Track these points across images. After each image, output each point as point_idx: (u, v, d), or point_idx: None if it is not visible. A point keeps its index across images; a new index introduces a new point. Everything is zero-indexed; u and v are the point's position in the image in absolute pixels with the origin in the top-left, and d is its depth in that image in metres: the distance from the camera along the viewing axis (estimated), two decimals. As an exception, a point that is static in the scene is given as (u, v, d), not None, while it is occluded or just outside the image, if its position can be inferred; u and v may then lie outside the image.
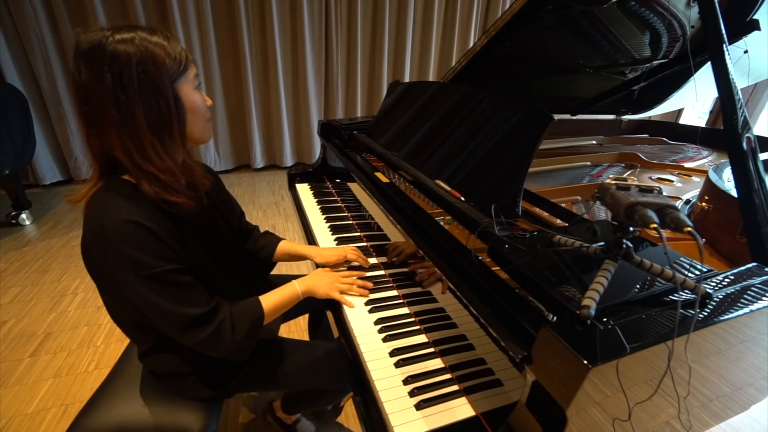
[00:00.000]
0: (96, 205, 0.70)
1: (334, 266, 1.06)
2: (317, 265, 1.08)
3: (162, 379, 0.89)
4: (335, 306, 0.96)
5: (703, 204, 1.03)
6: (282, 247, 1.10)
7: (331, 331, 0.99)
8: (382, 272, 1.06)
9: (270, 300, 0.87)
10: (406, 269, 1.06)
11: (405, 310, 0.93)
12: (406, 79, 4.01)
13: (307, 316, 1.47)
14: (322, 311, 1.14)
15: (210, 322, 0.74)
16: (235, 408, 1.46)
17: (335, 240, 1.24)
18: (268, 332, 0.95)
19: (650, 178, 1.49)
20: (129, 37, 0.65)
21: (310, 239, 1.28)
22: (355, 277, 1.00)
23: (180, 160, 0.74)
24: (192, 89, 0.73)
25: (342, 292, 0.96)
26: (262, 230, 1.15)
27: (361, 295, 0.96)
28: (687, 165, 1.61)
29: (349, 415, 1.43)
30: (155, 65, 0.66)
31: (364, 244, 1.22)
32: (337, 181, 1.66)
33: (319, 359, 0.98)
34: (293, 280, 0.94)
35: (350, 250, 1.08)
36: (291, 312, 1.16)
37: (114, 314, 0.83)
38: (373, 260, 1.11)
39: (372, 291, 0.98)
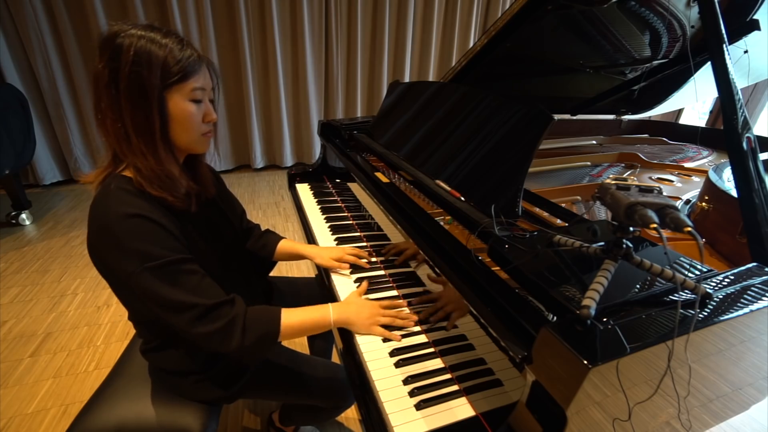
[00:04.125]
0: (100, 203, 0.70)
1: (365, 291, 0.97)
2: (317, 266, 1.07)
3: (163, 377, 0.89)
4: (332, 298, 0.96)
5: (703, 204, 1.03)
6: (282, 246, 1.10)
7: (331, 332, 0.98)
8: (382, 272, 1.06)
9: (295, 318, 0.80)
10: (406, 269, 1.06)
11: (405, 310, 0.93)
12: (406, 79, 4.01)
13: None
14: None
15: (222, 316, 0.72)
16: (235, 409, 1.46)
17: (335, 240, 1.24)
18: None
19: (650, 178, 1.49)
20: (137, 36, 0.67)
21: (310, 239, 1.28)
22: (397, 309, 0.90)
23: (169, 165, 0.73)
24: (185, 100, 0.72)
25: (383, 326, 0.85)
26: (262, 229, 1.15)
27: (404, 326, 0.86)
28: (687, 165, 1.61)
29: (349, 415, 1.43)
30: (149, 68, 0.67)
31: (364, 244, 1.22)
32: (337, 181, 1.66)
33: (319, 378, 0.99)
34: (328, 304, 0.85)
35: (349, 252, 1.07)
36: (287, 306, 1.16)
37: (129, 309, 0.82)
38: (372, 259, 1.11)
39: (372, 291, 0.98)
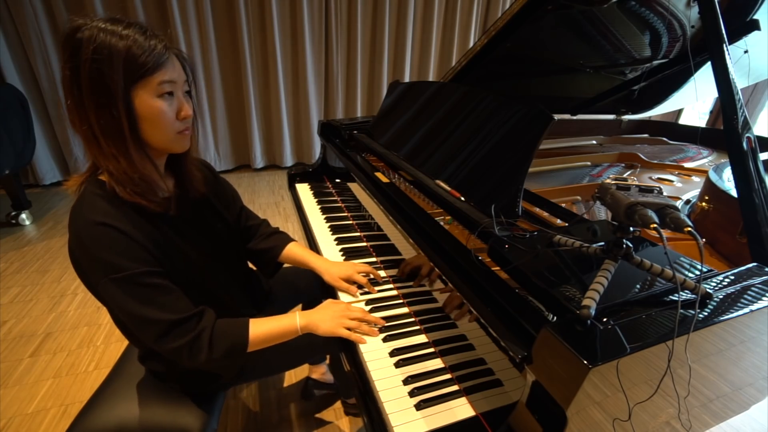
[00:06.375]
0: (75, 208, 0.69)
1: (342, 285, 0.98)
2: (323, 282, 1.02)
3: (164, 379, 0.89)
4: (332, 296, 0.95)
5: (703, 204, 1.03)
6: (290, 250, 1.05)
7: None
8: (381, 272, 1.06)
9: (262, 328, 0.80)
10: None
11: (405, 310, 0.93)
12: (406, 79, 4.01)
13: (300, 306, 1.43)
14: (318, 301, 1.08)
15: (188, 331, 0.71)
16: (235, 408, 1.46)
17: (335, 240, 1.24)
18: None
19: (650, 178, 1.49)
20: (98, 28, 0.63)
21: (310, 239, 1.28)
22: (363, 314, 0.88)
23: (143, 168, 0.70)
24: (152, 97, 0.67)
25: (348, 329, 0.85)
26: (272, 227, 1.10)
27: (368, 334, 0.85)
28: (687, 165, 1.61)
29: (349, 417, 1.43)
30: (110, 64, 0.62)
31: (365, 244, 1.22)
32: (337, 181, 1.66)
33: (302, 340, 0.92)
34: (295, 311, 0.86)
35: (360, 271, 1.00)
36: (286, 303, 1.12)
37: (113, 315, 0.82)
38: (372, 259, 1.11)
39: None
